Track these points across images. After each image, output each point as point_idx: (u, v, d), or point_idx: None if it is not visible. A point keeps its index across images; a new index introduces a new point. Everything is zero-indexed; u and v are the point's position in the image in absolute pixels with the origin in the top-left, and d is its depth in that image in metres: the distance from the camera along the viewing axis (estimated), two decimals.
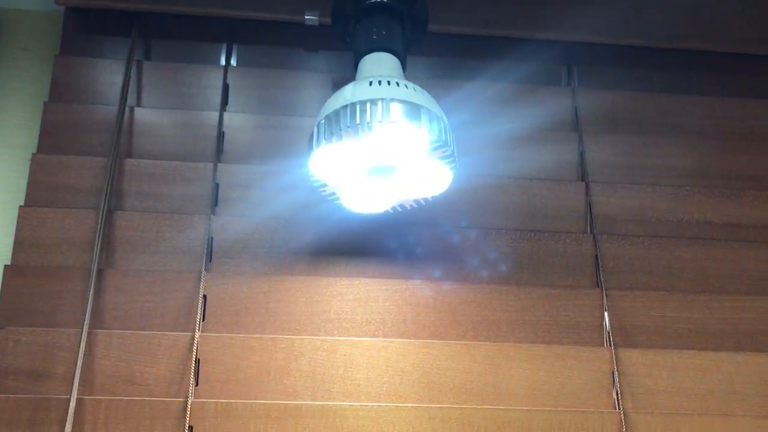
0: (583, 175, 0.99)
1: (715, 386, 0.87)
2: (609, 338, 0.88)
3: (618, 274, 0.93)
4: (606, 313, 0.89)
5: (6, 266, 0.84)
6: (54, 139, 0.92)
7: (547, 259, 0.93)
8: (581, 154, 1.00)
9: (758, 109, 1.05)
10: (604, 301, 0.90)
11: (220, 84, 0.98)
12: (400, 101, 0.72)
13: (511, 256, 0.92)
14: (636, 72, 1.07)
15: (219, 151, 0.94)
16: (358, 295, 0.87)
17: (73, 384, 0.77)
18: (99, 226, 0.85)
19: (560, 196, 0.97)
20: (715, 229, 0.97)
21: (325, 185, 0.80)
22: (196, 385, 0.81)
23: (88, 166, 0.90)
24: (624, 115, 1.04)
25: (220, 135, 0.95)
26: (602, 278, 0.91)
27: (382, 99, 0.71)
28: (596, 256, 0.93)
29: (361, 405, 0.81)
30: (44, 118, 0.93)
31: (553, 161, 0.99)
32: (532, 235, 0.93)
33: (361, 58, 0.82)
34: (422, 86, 0.96)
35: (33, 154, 0.91)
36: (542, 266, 0.92)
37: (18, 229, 0.86)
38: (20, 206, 0.87)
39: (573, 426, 0.83)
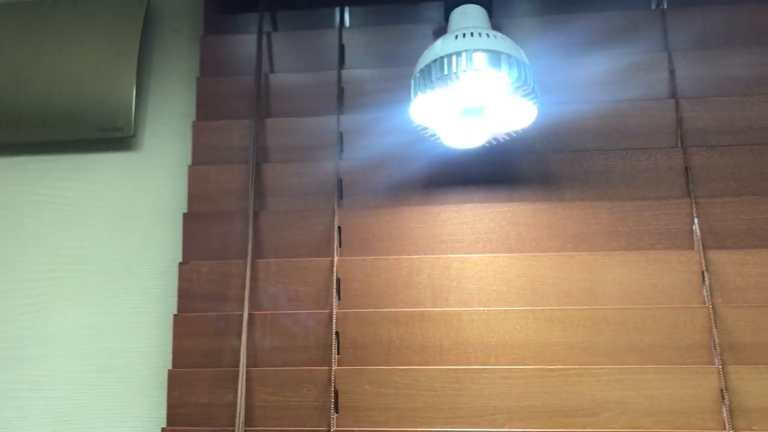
0: (673, 93, 1.05)
1: None
2: (698, 242, 0.97)
3: (708, 183, 1.00)
4: (696, 219, 0.98)
5: (184, 214, 1.05)
6: (208, 108, 1.12)
7: (638, 175, 1.01)
8: (671, 72, 1.06)
9: None
10: (694, 209, 0.98)
11: (336, 45, 1.13)
12: (482, 50, 0.84)
13: (605, 174, 1.02)
14: None
15: (340, 105, 1.10)
16: (465, 218, 1.01)
17: (244, 303, 0.98)
18: (251, 176, 1.05)
19: (651, 114, 1.04)
20: None
21: (426, 128, 0.93)
22: (339, 299, 0.99)
23: (236, 128, 1.09)
24: (714, 30, 1.08)
25: (341, 90, 1.10)
26: (692, 187, 0.99)
27: (466, 50, 0.83)
28: (686, 168, 1.00)
29: (473, 310, 0.96)
30: (198, 90, 1.13)
31: (645, 83, 1.06)
32: (625, 153, 1.02)
33: (451, 11, 0.94)
34: (515, 24, 1.07)
35: (193, 121, 1.11)
36: (634, 181, 1.01)
37: (189, 184, 1.07)
38: (189, 165, 1.08)
39: (665, 320, 0.93)
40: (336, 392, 0.94)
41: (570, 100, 1.05)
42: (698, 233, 0.97)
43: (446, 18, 0.96)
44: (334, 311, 0.98)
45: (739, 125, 1.02)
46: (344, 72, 1.11)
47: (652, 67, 1.07)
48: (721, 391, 0.89)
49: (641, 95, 1.05)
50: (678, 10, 1.09)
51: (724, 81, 1.05)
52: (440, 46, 0.86)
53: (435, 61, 0.85)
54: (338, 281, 1.00)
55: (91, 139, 1.15)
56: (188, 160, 1.12)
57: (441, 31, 1.11)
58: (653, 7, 1.11)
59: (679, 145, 1.02)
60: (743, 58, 1.05)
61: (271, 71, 1.14)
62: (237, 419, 0.93)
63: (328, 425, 0.93)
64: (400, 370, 0.94)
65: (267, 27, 1.17)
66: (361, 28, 1.15)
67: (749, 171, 1.00)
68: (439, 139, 0.96)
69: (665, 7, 1.10)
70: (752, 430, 0.88)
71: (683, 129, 1.03)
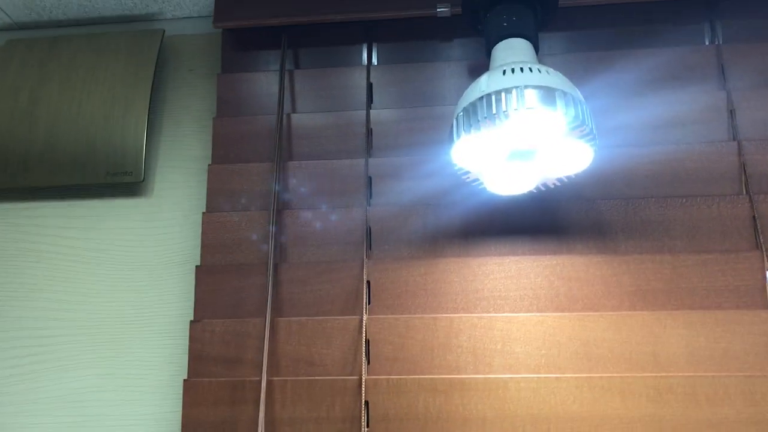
0: (734, 134, 0.96)
1: None
2: None
3: None
4: None
5: (197, 267, 0.95)
6: (224, 150, 1.03)
7: (701, 225, 0.92)
8: (731, 112, 0.97)
9: None
10: (765, 263, 0.88)
11: (364, 83, 1.05)
12: (534, 87, 0.75)
13: (663, 224, 0.92)
14: None
15: (369, 147, 1.01)
16: (509, 272, 0.91)
17: (262, 367, 0.88)
18: (271, 224, 0.95)
19: (712, 158, 0.95)
20: None
21: (468, 172, 0.84)
22: (368, 363, 0.89)
23: (256, 172, 1.00)
24: None
25: (369, 131, 1.01)
26: (761, 239, 0.89)
27: (517, 87, 0.74)
28: (753, 217, 0.91)
29: (521, 377, 0.85)
30: (214, 131, 1.04)
31: (702, 124, 0.97)
32: (684, 200, 0.93)
33: (494, 45, 0.85)
34: (560, 61, 0.98)
35: (209, 164, 1.02)
36: (696, 232, 0.91)
37: (203, 233, 0.97)
38: (203, 212, 0.99)
39: (739, 390, 0.82)
40: None
41: (621, 143, 0.96)
42: None
43: (488, 53, 0.87)
44: (363, 377, 0.87)
45: None
46: (372, 112, 1.03)
47: (709, 107, 0.97)
48: None
49: (699, 137, 0.96)
50: (734, 46, 1.00)
51: None
52: (486, 83, 0.77)
53: (481, 98, 0.76)
54: (367, 343, 0.89)
55: (98, 184, 1.06)
56: (202, 207, 1.03)
57: (477, 68, 1.02)
58: (707, 42, 1.03)
59: (744, 192, 0.93)
60: None
61: (293, 111, 1.05)
62: None
63: None
64: None
65: (288, 64, 1.09)
66: (388, 65, 1.06)
67: None
68: (482, 184, 0.86)
69: (720, 42, 1.01)
70: None
71: (747, 174, 0.93)
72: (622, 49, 1.01)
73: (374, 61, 1.08)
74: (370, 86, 1.05)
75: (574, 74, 1.00)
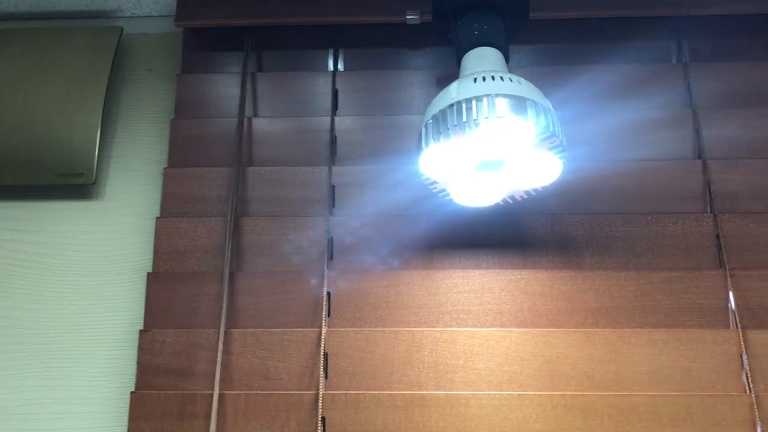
0: (700, 153, 0.96)
1: None
2: (735, 320, 0.86)
3: (742, 254, 0.90)
4: (731, 294, 0.87)
5: (149, 273, 0.91)
6: (182, 153, 0.99)
7: (666, 242, 0.91)
8: (697, 131, 0.97)
9: None
10: (728, 282, 0.87)
11: (329, 89, 1.02)
12: (505, 96, 0.73)
13: (628, 241, 0.91)
14: (751, 41, 1.02)
15: (333, 154, 0.98)
16: (473, 286, 0.89)
17: (214, 380, 0.84)
18: (228, 232, 0.92)
19: (677, 177, 0.94)
20: None
21: (435, 182, 0.82)
22: (326, 377, 0.86)
23: (214, 177, 0.97)
24: (740, 87, 1.00)
25: (333, 138, 0.99)
26: (725, 258, 0.89)
27: (487, 95, 0.73)
28: (717, 235, 0.90)
29: (483, 394, 0.83)
30: (172, 133, 1.00)
31: (668, 141, 0.97)
32: (650, 218, 0.92)
33: (464, 53, 0.84)
34: (528, 74, 0.97)
35: (164, 168, 0.98)
36: (661, 249, 0.91)
37: (156, 239, 0.93)
38: (157, 217, 0.94)
39: (701, 410, 0.82)
40: None
41: (587, 157, 0.95)
42: (734, 310, 0.86)
43: (458, 62, 0.85)
44: (321, 392, 0.84)
45: None
46: (336, 119, 1.00)
47: (675, 124, 0.97)
48: None
49: (665, 154, 0.96)
50: (701, 65, 1.01)
51: (754, 142, 0.96)
52: (456, 90, 0.75)
53: (451, 106, 0.74)
54: (326, 357, 0.86)
55: (47, 186, 1.01)
56: (156, 212, 0.98)
57: (446, 78, 1.00)
58: (674, 61, 1.03)
59: (709, 210, 0.92)
60: None
61: (255, 115, 1.02)
62: None
63: None
64: None
65: (251, 67, 1.05)
66: (354, 72, 1.04)
67: None
68: (448, 195, 0.84)
69: (687, 61, 1.02)
70: None
71: (712, 192, 0.93)
72: (590, 63, 1.01)
73: (340, 66, 1.06)
74: (335, 92, 1.02)
75: (541, 87, 0.99)
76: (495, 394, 0.83)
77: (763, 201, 0.93)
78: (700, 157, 0.95)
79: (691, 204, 0.93)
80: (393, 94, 1.02)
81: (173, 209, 0.96)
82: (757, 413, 0.81)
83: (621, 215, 0.92)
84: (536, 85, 0.93)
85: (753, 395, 0.81)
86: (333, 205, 0.95)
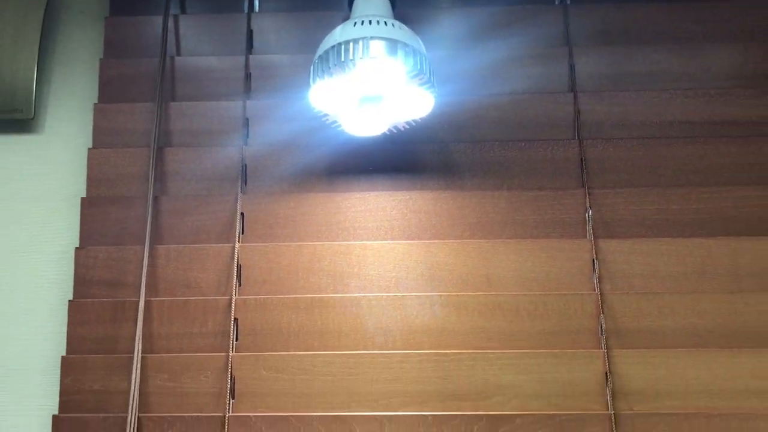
0: (572, 86, 1.08)
1: (688, 268, 0.98)
2: (590, 231, 1.00)
3: (602, 175, 1.04)
4: (589, 209, 1.01)
5: (82, 198, 1.03)
6: (110, 90, 1.09)
7: (536, 166, 1.04)
8: (571, 67, 1.09)
9: (738, 11, 1.10)
10: (587, 199, 1.01)
11: (244, 29, 1.12)
12: (379, 38, 0.84)
13: (504, 165, 1.04)
14: None
15: (247, 90, 1.09)
16: (368, 206, 1.02)
17: (140, 290, 0.97)
18: (151, 161, 1.03)
19: (550, 107, 1.07)
20: (696, 127, 1.06)
21: (326, 115, 0.94)
22: (239, 285, 0.99)
23: (139, 111, 1.07)
24: (614, 26, 1.11)
25: (248, 75, 1.09)
26: (586, 179, 1.03)
27: (363, 38, 0.84)
28: (581, 159, 1.04)
29: (373, 296, 0.97)
30: (101, 72, 1.10)
31: (545, 75, 1.09)
32: (523, 144, 1.05)
33: None
34: (418, 15, 1.08)
35: (95, 103, 1.08)
36: (532, 172, 1.04)
37: (89, 168, 1.05)
38: (89, 148, 1.05)
39: (556, 306, 0.97)
40: (233, 378, 0.94)
41: (471, 91, 1.07)
42: (590, 223, 1.01)
43: (350, 5, 0.96)
44: (234, 297, 0.97)
45: (632, 119, 1.06)
46: (252, 57, 1.10)
47: (552, 60, 1.09)
48: (606, 374, 0.93)
49: (541, 88, 1.08)
50: (580, 6, 1.12)
51: (621, 77, 1.09)
52: (339, 33, 0.87)
53: (333, 47, 0.85)
54: (239, 267, 1.00)
55: None
56: (89, 144, 1.09)
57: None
58: (556, 3, 1.14)
59: (576, 138, 1.06)
60: (639, 56, 1.09)
61: (178, 54, 1.12)
62: (130, 405, 0.92)
63: (224, 411, 0.93)
64: (298, 355, 0.95)
65: (175, 9, 1.15)
66: (270, 13, 1.14)
67: (640, 164, 1.04)
68: (339, 126, 0.96)
69: (568, 2, 1.13)
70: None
71: (580, 122, 1.06)
72: (476, 5, 1.11)
73: (256, 8, 1.15)
74: (250, 32, 1.12)
75: (432, 27, 1.10)
76: (383, 296, 0.97)
77: (624, 128, 1.06)
78: (572, 90, 1.08)
79: (562, 132, 1.06)
80: (304, 33, 1.12)
81: (104, 141, 1.07)
82: (601, 308, 0.96)
83: (499, 142, 1.05)
84: (426, 26, 1.05)
85: (599, 293, 0.97)
86: (247, 135, 1.07)
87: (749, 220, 1.00)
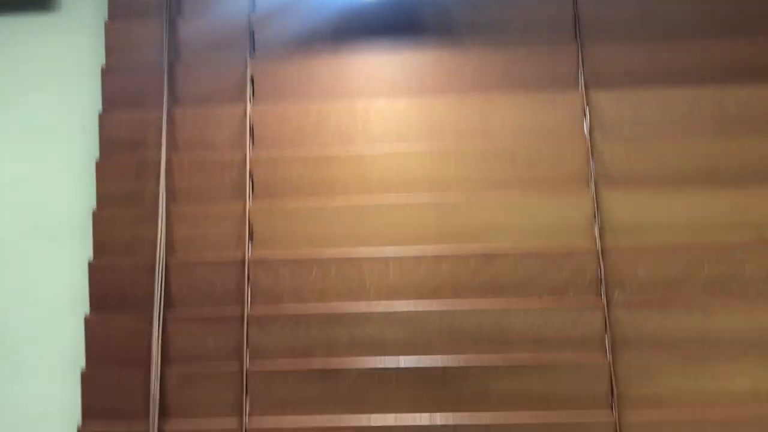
0: None
1: (675, 116, 1.03)
2: (582, 83, 1.05)
3: (595, 31, 1.07)
4: (581, 63, 1.05)
5: (102, 67, 1.09)
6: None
7: (532, 25, 1.08)
8: None
9: None
10: (579, 54, 1.06)
11: None
12: None
13: (501, 23, 1.08)
14: None
15: None
16: (371, 67, 1.07)
17: (161, 148, 1.04)
18: (165, 34, 1.09)
19: None
20: None
21: None
22: (253, 144, 1.06)
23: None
24: None
25: None
26: (579, 37, 1.07)
27: None
28: (575, 16, 1.08)
29: (377, 152, 1.04)
30: None
31: None
32: (517, 2, 1.09)
33: None
34: None
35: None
36: (528, 30, 1.08)
37: (107, 38, 1.11)
38: (105, 21, 1.11)
39: (549, 154, 1.03)
40: (251, 225, 1.03)
41: None
42: (582, 76, 1.05)
43: None
44: (248, 154, 1.05)
45: None
46: None
47: None
48: (594, 213, 1.00)
49: None
50: None
51: None
52: None
53: None
54: (252, 128, 1.06)
55: (8, 2, 1.16)
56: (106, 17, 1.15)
57: None
58: None
59: None
60: None
61: None
62: (158, 251, 1.01)
63: (245, 252, 1.02)
64: (308, 206, 1.03)
65: None
66: None
67: (632, 17, 1.07)
68: None
69: None
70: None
71: None
72: None
73: None
74: None
75: None
76: (386, 151, 1.04)
77: None
78: None
79: None
80: None
81: (119, 14, 1.12)
82: (591, 153, 1.02)
83: (497, 1, 1.09)
84: None
85: (589, 143, 1.02)
86: (254, 4, 1.11)
87: (737, 69, 1.04)
